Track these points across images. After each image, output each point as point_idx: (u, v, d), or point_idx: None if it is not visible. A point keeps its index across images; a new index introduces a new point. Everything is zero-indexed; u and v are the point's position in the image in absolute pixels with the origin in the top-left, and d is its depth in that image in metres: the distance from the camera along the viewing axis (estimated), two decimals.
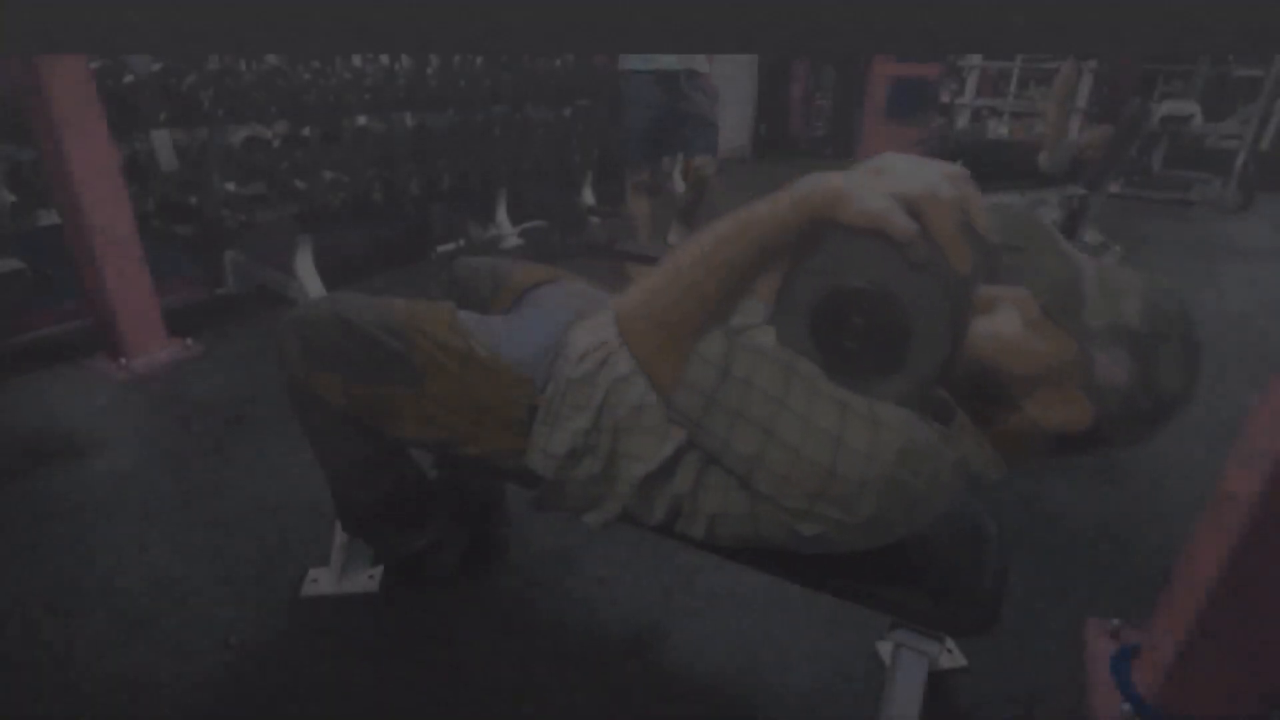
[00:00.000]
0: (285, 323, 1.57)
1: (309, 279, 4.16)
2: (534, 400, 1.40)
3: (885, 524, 1.07)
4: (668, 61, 4.07)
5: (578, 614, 1.93)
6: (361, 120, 5.31)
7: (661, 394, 1.13)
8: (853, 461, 1.01)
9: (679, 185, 4.89)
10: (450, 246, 4.69)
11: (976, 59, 9.44)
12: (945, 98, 10.43)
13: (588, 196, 6.50)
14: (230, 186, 3.87)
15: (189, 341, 3.54)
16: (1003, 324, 1.06)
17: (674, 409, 1.12)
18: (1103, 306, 1.01)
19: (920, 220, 0.95)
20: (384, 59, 5.45)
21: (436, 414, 1.48)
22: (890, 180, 0.97)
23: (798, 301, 1.06)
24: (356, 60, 5.06)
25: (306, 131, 4.37)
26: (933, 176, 0.97)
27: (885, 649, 1.81)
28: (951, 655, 1.81)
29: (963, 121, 9.51)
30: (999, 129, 4.39)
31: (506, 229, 5.64)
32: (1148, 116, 3.81)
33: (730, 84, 10.14)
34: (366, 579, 1.98)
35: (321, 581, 1.98)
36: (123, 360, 3.28)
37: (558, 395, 1.37)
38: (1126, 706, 1.67)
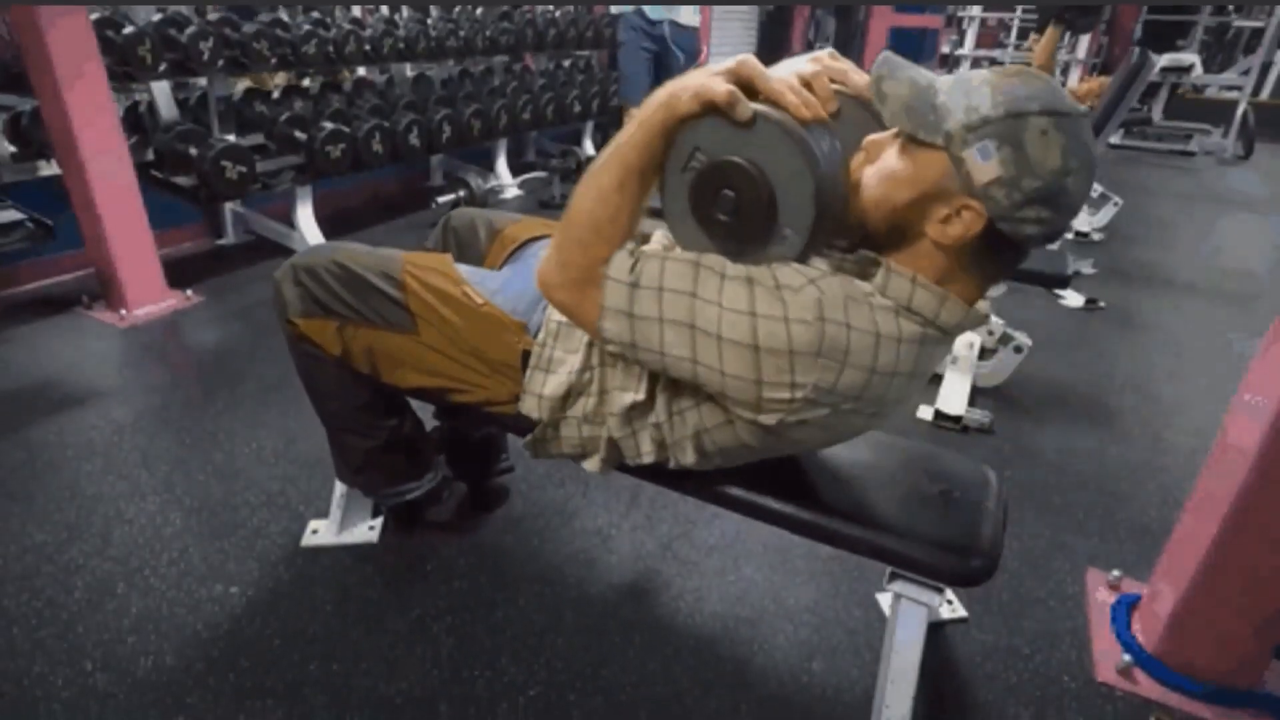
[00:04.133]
0: (282, 269, 1.60)
1: (309, 230, 4.14)
2: (527, 345, 1.43)
3: (845, 388, 1.06)
4: (655, 12, 4.60)
5: (576, 564, 1.94)
6: (361, 71, 5.28)
7: (593, 334, 1.19)
8: (772, 330, 1.03)
9: None
10: (450, 197, 4.65)
11: (976, 10, 9.34)
12: (945, 48, 10.34)
13: (587, 147, 6.46)
14: (230, 137, 3.85)
15: (188, 293, 3.53)
16: (884, 162, 1.08)
17: (606, 339, 1.17)
18: (958, 109, 0.99)
19: (750, 86, 1.05)
20: (383, 10, 5.40)
21: (432, 361, 1.51)
22: (717, 67, 1.06)
23: (677, 201, 1.13)
24: (356, 11, 5.01)
25: (306, 82, 4.33)
26: (794, 62, 1.09)
27: (885, 600, 1.82)
28: (952, 607, 1.82)
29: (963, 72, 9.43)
30: None
31: (506, 180, 5.62)
32: (1148, 66, 3.75)
33: (729, 35, 10.02)
34: (366, 530, 2.00)
35: (321, 533, 1.99)
36: (122, 311, 3.28)
37: (549, 339, 1.41)
38: (1126, 656, 1.68)
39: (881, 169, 1.07)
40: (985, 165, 0.97)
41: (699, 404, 1.23)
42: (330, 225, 4.28)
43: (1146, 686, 1.65)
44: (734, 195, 1.06)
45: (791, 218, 1.06)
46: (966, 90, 0.99)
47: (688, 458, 1.31)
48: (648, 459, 1.35)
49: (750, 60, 1.06)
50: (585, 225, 1.14)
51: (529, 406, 1.42)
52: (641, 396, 1.28)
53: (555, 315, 1.41)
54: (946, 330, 1.11)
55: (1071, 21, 4.57)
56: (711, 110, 1.04)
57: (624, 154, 1.11)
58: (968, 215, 1.02)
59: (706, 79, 1.03)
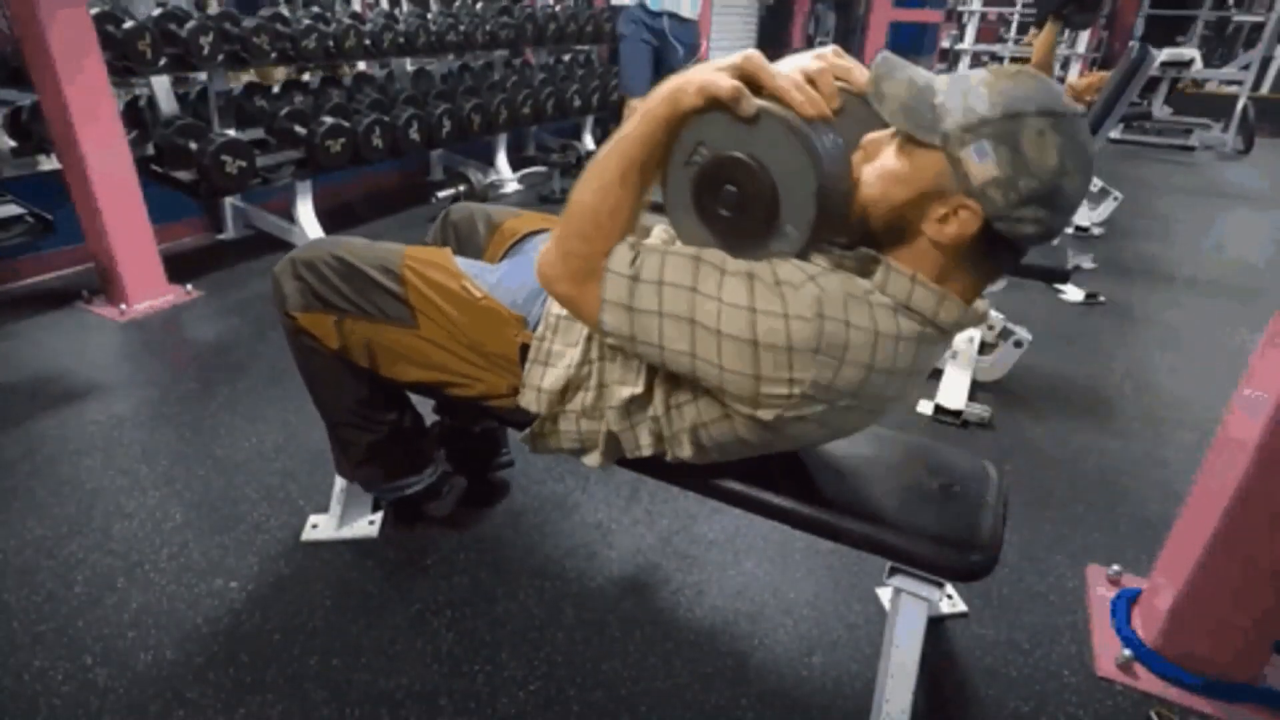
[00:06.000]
0: (282, 264, 1.60)
1: (309, 225, 4.14)
2: (526, 339, 1.43)
3: (842, 385, 1.06)
4: (654, 4, 4.71)
5: (576, 559, 1.95)
6: (361, 66, 5.27)
7: (593, 327, 1.19)
8: (771, 326, 1.03)
9: None
10: (450, 192, 4.64)
11: (977, 3, 9.30)
12: (946, 43, 10.33)
13: (587, 141, 6.45)
14: (230, 132, 3.84)
15: (188, 287, 3.53)
16: (882, 160, 1.07)
17: (606, 332, 1.16)
18: (955, 110, 0.99)
19: (755, 81, 1.05)
20: (383, 4, 5.39)
21: (431, 355, 1.51)
22: (722, 62, 1.06)
23: (679, 196, 1.13)
24: (356, 5, 5.00)
25: (306, 77, 4.33)
26: (799, 59, 1.09)
27: (885, 595, 1.82)
28: (951, 601, 1.82)
29: (964, 66, 9.42)
30: None
31: (506, 174, 5.62)
32: (1148, 61, 3.73)
33: (729, 29, 9.99)
34: (366, 525, 2.00)
35: (321, 527, 1.99)
36: (122, 306, 3.28)
37: (548, 332, 1.42)
38: (1126, 651, 1.68)
39: (880, 167, 1.07)
40: (982, 165, 0.98)
41: (696, 398, 1.23)
42: (330, 220, 4.28)
43: (1146, 681, 1.65)
44: (736, 190, 1.06)
45: (793, 214, 1.05)
46: (964, 90, 0.99)
47: (685, 451, 1.31)
48: (646, 452, 1.35)
49: (755, 56, 1.05)
50: (586, 218, 1.13)
51: (528, 400, 1.42)
52: (640, 390, 1.28)
53: (555, 309, 1.42)
54: (945, 329, 1.12)
55: (1069, 18, 4.52)
56: (716, 105, 1.03)
57: (626, 147, 1.10)
58: (965, 215, 1.02)
59: (711, 74, 1.02)
